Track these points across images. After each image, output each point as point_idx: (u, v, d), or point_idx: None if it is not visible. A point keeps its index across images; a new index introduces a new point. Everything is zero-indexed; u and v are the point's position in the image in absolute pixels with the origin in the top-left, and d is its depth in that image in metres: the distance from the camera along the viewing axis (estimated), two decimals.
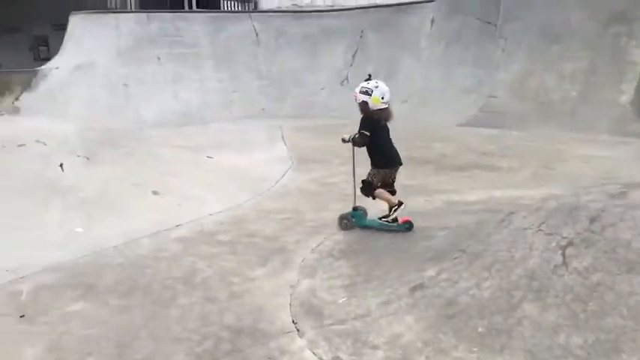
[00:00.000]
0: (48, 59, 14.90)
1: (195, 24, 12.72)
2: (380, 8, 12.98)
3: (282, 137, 8.56)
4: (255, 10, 15.44)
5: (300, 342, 2.89)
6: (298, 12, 13.83)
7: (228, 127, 10.07)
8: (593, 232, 3.10)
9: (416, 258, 3.72)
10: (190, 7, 14.37)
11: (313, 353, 2.78)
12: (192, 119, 11.03)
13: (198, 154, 6.98)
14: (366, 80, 4.51)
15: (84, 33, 12.17)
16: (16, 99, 11.33)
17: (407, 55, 12.11)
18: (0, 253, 4.17)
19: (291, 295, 3.43)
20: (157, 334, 3.02)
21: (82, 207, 4.95)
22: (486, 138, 8.32)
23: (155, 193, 5.36)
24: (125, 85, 11.68)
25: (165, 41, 12.33)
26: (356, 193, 4.50)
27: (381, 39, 12.65)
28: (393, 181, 4.50)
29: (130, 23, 12.27)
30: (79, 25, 12.24)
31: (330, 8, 14.08)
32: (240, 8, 15.71)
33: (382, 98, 4.34)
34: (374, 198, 4.44)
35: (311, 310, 3.22)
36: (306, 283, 3.57)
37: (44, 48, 19.73)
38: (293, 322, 3.11)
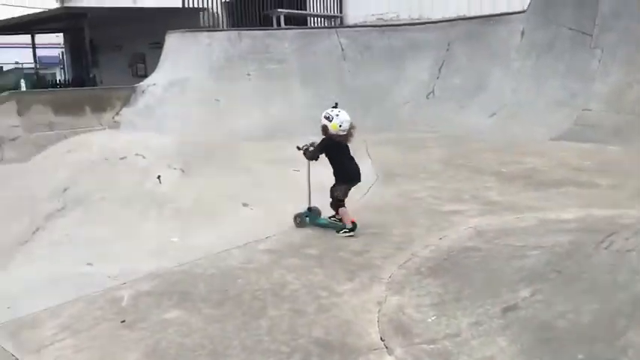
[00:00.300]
0: (145, 76, 15.77)
1: (284, 41, 13.01)
2: (467, 20, 12.74)
3: (367, 151, 8.56)
4: (342, 25, 15.61)
5: (388, 359, 2.87)
6: (384, 26, 13.84)
7: (313, 141, 10.19)
8: None
9: (508, 278, 3.61)
10: (279, 24, 14.73)
11: None
12: (279, 133, 11.25)
13: (285, 167, 7.11)
14: (332, 107, 5.10)
15: (179, 51, 12.78)
16: (117, 114, 12.03)
17: (495, 68, 11.79)
18: (103, 260, 4.44)
19: (379, 311, 3.42)
20: (249, 344, 3.10)
21: (177, 217, 5.18)
22: (581, 153, 7.94)
23: (245, 205, 5.52)
24: (217, 100, 12.12)
25: (255, 58, 12.69)
26: (310, 195, 5.22)
27: (468, 51, 12.39)
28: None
29: (222, 41, 12.73)
30: (174, 43, 12.88)
31: (416, 22, 13.99)
32: (326, 24, 15.94)
33: (340, 126, 4.96)
34: (337, 213, 5.02)
35: (399, 328, 3.19)
36: (394, 300, 3.54)
37: (141, 65, 20.96)
38: (381, 339, 3.10)
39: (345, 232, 4.80)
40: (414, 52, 12.97)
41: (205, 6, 16.14)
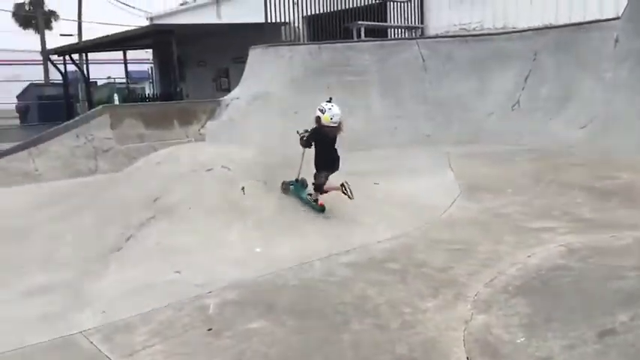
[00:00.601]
0: (228, 89, 16.28)
1: (364, 52, 13.04)
2: (556, 29, 12.26)
3: (450, 164, 8.40)
4: (423, 36, 15.46)
5: None
6: (467, 36, 13.57)
7: (393, 153, 10.15)
8: None
9: (604, 300, 3.42)
10: (359, 36, 14.78)
11: None
12: (358, 145, 11.25)
13: (365, 180, 7.09)
14: (327, 101, 5.70)
15: (261, 65, 13.10)
16: (202, 127, 12.48)
17: (586, 78, 11.25)
18: (190, 268, 4.58)
19: (464, 330, 3.33)
20: (332, 358, 3.09)
21: (259, 228, 5.26)
22: None
23: (326, 217, 5.54)
24: (296, 112, 12.29)
25: (335, 70, 12.77)
26: (301, 168, 5.81)
27: (556, 61, 11.89)
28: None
29: (303, 54, 12.94)
30: (257, 57, 13.21)
31: (500, 31, 13.63)
32: (407, 36, 15.84)
33: (331, 119, 5.54)
34: (322, 193, 5.58)
35: (487, 348, 3.09)
36: (480, 319, 3.44)
37: (225, 79, 21.69)
38: (467, 358, 3.01)
39: (315, 206, 5.57)
40: (498, 62, 12.61)
41: (287, 20, 16.42)
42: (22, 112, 26.26)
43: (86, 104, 23.68)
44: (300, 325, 3.52)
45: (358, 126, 12.15)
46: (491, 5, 14.56)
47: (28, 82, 27.03)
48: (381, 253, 4.72)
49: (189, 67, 23.39)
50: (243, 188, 5.75)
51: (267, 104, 12.39)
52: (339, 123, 5.59)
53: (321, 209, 5.59)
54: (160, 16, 26.66)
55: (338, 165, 5.74)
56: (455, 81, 12.77)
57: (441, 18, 15.64)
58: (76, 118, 11.65)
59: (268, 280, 4.28)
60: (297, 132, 5.96)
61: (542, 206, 5.83)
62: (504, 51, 12.61)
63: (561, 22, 12.73)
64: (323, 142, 5.68)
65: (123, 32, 19.71)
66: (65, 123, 11.27)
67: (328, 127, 5.56)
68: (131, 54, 26.92)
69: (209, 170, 6.01)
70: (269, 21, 14.71)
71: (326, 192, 5.63)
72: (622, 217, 5.33)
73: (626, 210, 5.58)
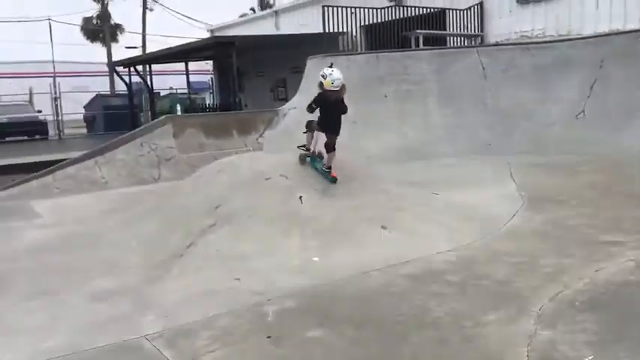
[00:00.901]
0: (285, 99, 16.48)
1: (422, 61, 12.93)
2: (624, 35, 11.82)
3: (511, 174, 8.19)
4: (482, 44, 15.21)
5: None
6: (529, 43, 13.26)
7: (453, 163, 9.98)
8: None
9: None
10: (417, 45, 14.68)
11: None
12: (415, 155, 11.17)
13: (424, 190, 7.01)
14: (328, 67, 6.00)
15: (318, 74, 13.18)
16: (260, 136, 12.69)
17: None
18: (249, 275, 4.64)
19: (528, 345, 3.22)
20: None
21: (317, 237, 5.28)
22: None
23: (384, 227, 5.50)
24: (354, 122, 12.27)
25: (393, 79, 12.72)
26: (317, 143, 6.25)
27: (625, 68, 11.41)
28: (334, 145, 6.11)
29: (361, 63, 12.95)
30: (314, 67, 13.29)
31: (564, 38, 13.25)
32: (466, 43, 15.62)
33: (332, 83, 5.80)
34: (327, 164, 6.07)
35: None
36: (545, 335, 3.32)
37: (282, 89, 21.99)
38: None
39: (327, 172, 5.97)
40: (562, 70, 12.24)
41: (344, 30, 16.49)
42: (89, 121, 27.40)
43: (149, 114, 24.49)
44: (359, 336, 3.50)
45: (416, 135, 12.07)
46: (554, 12, 14.18)
47: (95, 93, 28.16)
48: (441, 265, 4.64)
49: (248, 78, 23.83)
50: (300, 197, 5.80)
51: None
52: (341, 86, 5.86)
53: (333, 180, 5.95)
54: (220, 28, 27.31)
55: (338, 129, 6.16)
56: (516, 89, 12.46)
57: (501, 26, 15.34)
58: (140, 128, 12.07)
59: (326, 289, 4.29)
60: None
61: (610, 219, 5.59)
62: (568, 59, 12.22)
63: (630, 27, 12.26)
64: (326, 105, 6.03)
65: (185, 44, 20.30)
66: (130, 132, 11.69)
67: (330, 90, 5.87)
68: (192, 65, 27.66)
69: (268, 179, 6.09)
70: (326, 31, 14.80)
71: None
72: None
73: None
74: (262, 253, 5.04)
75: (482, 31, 15.73)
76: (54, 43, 36.22)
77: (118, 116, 25.11)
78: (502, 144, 11.55)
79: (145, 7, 36.11)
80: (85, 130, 27.67)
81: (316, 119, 6.28)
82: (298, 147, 6.48)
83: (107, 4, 38.63)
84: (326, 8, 14.33)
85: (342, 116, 6.17)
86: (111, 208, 8.04)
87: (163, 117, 12.33)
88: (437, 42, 15.46)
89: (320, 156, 6.24)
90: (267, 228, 5.41)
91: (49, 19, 32.30)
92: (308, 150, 6.35)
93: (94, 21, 38.89)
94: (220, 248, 5.17)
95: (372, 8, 16.47)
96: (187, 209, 6.07)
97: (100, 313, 4.18)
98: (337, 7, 15.34)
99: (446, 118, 12.35)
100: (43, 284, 4.91)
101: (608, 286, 3.93)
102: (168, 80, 33.56)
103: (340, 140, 12.07)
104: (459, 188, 7.45)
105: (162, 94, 29.05)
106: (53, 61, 31.50)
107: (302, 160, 6.29)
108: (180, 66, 26.83)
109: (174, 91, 29.79)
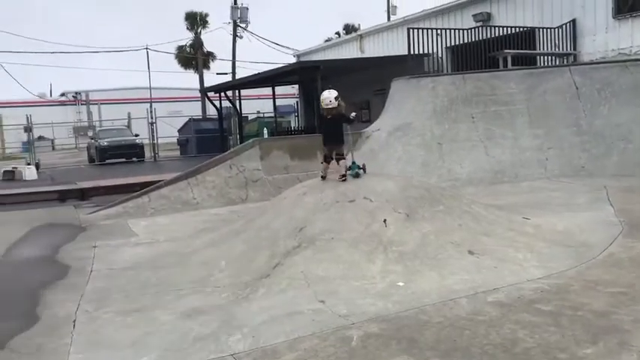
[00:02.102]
0: (369, 121, 16.53)
1: (510, 81, 12.59)
2: None
3: (608, 198, 7.76)
4: (575, 62, 14.61)
5: None
6: (627, 61, 12.58)
7: (544, 186, 9.60)
8: None
9: None
10: (505, 65, 14.33)
11: None
12: (504, 177, 10.87)
13: (513, 214, 6.77)
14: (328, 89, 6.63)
15: (403, 96, 13.16)
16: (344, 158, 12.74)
17: None
18: (333, 298, 4.65)
19: None
20: None
21: (402, 261, 5.22)
22: None
23: (471, 252, 5.36)
24: (439, 143, 12.14)
25: (480, 100, 12.46)
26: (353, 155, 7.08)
27: None
28: (332, 157, 6.69)
29: (447, 85, 12.77)
30: (398, 89, 13.31)
31: None
32: (557, 62, 15.07)
33: (323, 102, 6.49)
34: (327, 163, 6.81)
35: None
36: None
37: (366, 111, 22.08)
38: None
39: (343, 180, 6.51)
40: None
41: (430, 52, 16.40)
42: (182, 144, 28.69)
43: (237, 137, 25.32)
44: None
45: (504, 157, 11.73)
46: None
47: (188, 117, 29.51)
48: (532, 293, 4.44)
49: None
50: (385, 220, 5.76)
51: (408, 135, 12.38)
52: (336, 104, 6.44)
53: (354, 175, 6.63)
54: (305, 53, 27.94)
55: (334, 141, 6.70)
56: (613, 110, 11.87)
57: (596, 43, 14.71)
58: (229, 151, 12.49)
59: (411, 315, 4.21)
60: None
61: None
62: None
63: None
64: (323, 122, 6.81)
65: (271, 70, 20.91)
66: (220, 155, 12.12)
67: (325, 109, 6.51)
68: (279, 89, 28.41)
69: (351, 201, 6.11)
70: (411, 53, 14.76)
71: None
72: None
73: None
74: (346, 276, 5.05)
75: (574, 49, 15.13)
76: (151, 70, 38.36)
77: (209, 139, 26.17)
78: (597, 167, 11.00)
79: (235, 35, 37.53)
80: (178, 153, 29.00)
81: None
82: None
83: (200, 33, 40.52)
84: (411, 30, 14.30)
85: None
86: (201, 228, 8.35)
87: (251, 140, 12.70)
88: (527, 62, 15.02)
89: (362, 166, 6.85)
90: (351, 250, 5.41)
91: (147, 48, 34.17)
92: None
93: (188, 49, 40.83)
94: (305, 270, 5.22)
95: (458, 29, 16.28)
96: (273, 230, 6.18)
97: (189, 330, 4.32)
98: (422, 28, 15.29)
99: (536, 139, 11.93)
100: (138, 301, 5.14)
101: None
102: (257, 104, 34.66)
103: (426, 162, 11.98)
104: (550, 212, 7.16)
105: (250, 118, 29.98)
106: (150, 88, 33.27)
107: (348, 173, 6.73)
108: (268, 90, 27.65)
109: (262, 115, 30.65)
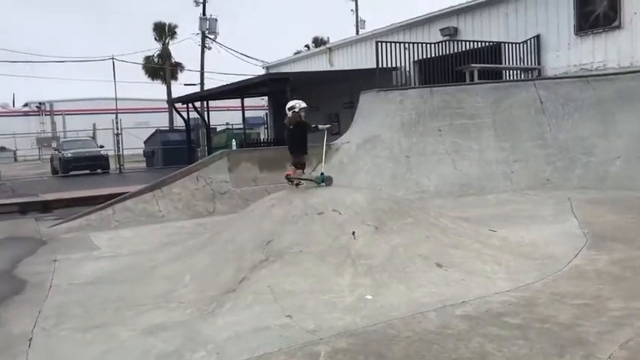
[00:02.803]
0: (338, 134, 16.53)
1: (476, 95, 12.76)
2: None
3: (572, 211, 7.87)
4: (540, 77, 14.89)
5: None
6: (589, 76, 12.88)
7: (510, 199, 9.71)
8: None
9: None
10: (472, 79, 14.52)
11: None
12: (470, 190, 10.96)
13: (480, 226, 6.80)
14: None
15: (372, 109, 13.22)
16: (313, 170, 12.66)
17: None
18: (300, 313, 4.56)
19: None
20: None
21: (370, 274, 5.18)
22: None
23: (439, 265, 5.34)
24: (407, 156, 12.20)
25: (447, 113, 12.59)
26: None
27: None
28: (297, 164, 7.08)
29: (414, 98, 12.87)
30: (367, 102, 13.36)
31: (626, 70, 12.82)
32: (522, 76, 15.34)
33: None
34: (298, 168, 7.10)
35: None
36: None
37: (335, 123, 22.10)
38: None
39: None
40: (624, 102, 11.82)
41: (398, 65, 16.51)
42: (149, 156, 28.28)
43: (206, 149, 25.07)
44: None
45: (471, 170, 11.84)
46: (615, 43, 13.78)
47: (155, 129, 29.12)
48: (500, 306, 4.43)
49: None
50: (354, 233, 5.71)
51: (376, 148, 12.41)
52: (291, 114, 6.83)
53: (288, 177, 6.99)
54: (274, 65, 27.91)
55: (293, 150, 7.07)
56: (576, 123, 12.12)
57: (559, 59, 15.03)
58: (197, 162, 12.31)
59: (379, 329, 4.15)
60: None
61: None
62: (631, 91, 11.81)
63: None
64: (286, 132, 7.18)
65: (240, 81, 20.84)
66: (187, 167, 11.94)
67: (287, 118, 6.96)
68: (248, 101, 28.28)
69: (320, 214, 6.04)
70: (380, 66, 14.85)
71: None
72: None
73: None
74: (314, 290, 4.97)
75: (539, 64, 15.43)
76: (118, 81, 37.80)
77: (176, 151, 25.83)
78: (562, 179, 11.20)
79: (203, 46, 37.33)
80: (144, 165, 28.55)
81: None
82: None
83: (168, 43, 40.15)
84: (379, 44, 14.39)
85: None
86: (166, 242, 8.17)
87: (219, 151, 12.56)
88: (493, 76, 15.25)
89: (328, 179, 7.13)
90: (319, 264, 5.34)
91: (113, 58, 33.69)
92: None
93: (155, 60, 40.40)
94: (272, 284, 5.12)
95: (425, 43, 16.46)
96: (240, 244, 6.06)
97: (151, 348, 4.18)
98: (390, 42, 15.41)
99: (502, 152, 12.09)
100: (98, 317, 4.96)
101: None
102: (226, 116, 34.44)
103: (394, 174, 11.97)
104: (516, 225, 7.22)
105: (218, 130, 29.75)
106: (116, 98, 32.81)
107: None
108: (237, 102, 27.48)
109: (230, 127, 30.45)
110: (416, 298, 4.73)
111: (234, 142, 24.06)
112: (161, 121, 37.46)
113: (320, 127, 7.25)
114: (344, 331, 4.14)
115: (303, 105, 6.89)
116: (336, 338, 4.03)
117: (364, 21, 43.02)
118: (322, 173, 7.12)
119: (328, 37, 47.96)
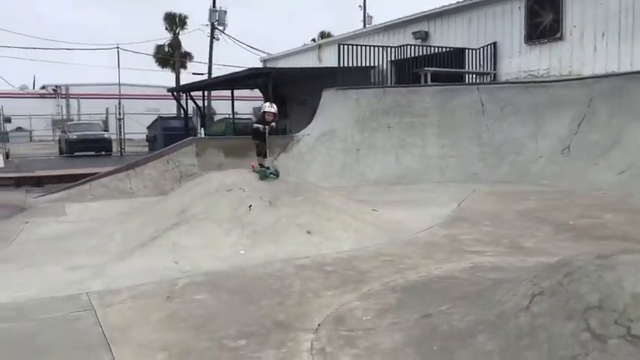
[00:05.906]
0: None
1: (425, 96, 14.11)
2: (612, 77, 12.56)
3: (463, 199, 9.21)
4: (483, 82, 16.14)
5: None
6: (527, 82, 14.15)
7: (428, 188, 11.04)
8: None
9: (439, 298, 4.34)
10: (426, 81, 15.83)
11: None
12: (404, 180, 12.32)
13: (367, 206, 8.19)
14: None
15: (331, 105, 14.63)
16: (275, 159, 14.13)
17: (635, 125, 11.48)
18: (186, 261, 6.02)
19: (336, 309, 4.41)
20: (230, 319, 4.34)
21: (252, 237, 6.60)
22: None
23: (309, 232, 6.75)
24: (358, 149, 13.61)
25: (397, 112, 13.96)
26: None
27: (610, 108, 12.19)
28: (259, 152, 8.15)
29: (369, 96, 14.27)
30: (328, 98, 14.76)
31: (560, 78, 14.05)
32: (477, 81, 16.60)
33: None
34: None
35: (340, 320, 4.17)
36: (349, 305, 4.50)
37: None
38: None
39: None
40: (555, 108, 13.09)
41: (375, 64, 17.81)
42: (151, 141, 29.97)
43: (202, 135, 26.64)
44: (229, 299, 4.80)
45: (412, 163, 13.23)
46: (558, 53, 15.00)
47: (156, 116, 30.79)
48: (330, 260, 5.84)
49: (293, 105, 25.57)
50: (250, 206, 7.16)
51: (332, 141, 13.84)
52: (261, 113, 8.14)
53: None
54: (271, 59, 29.36)
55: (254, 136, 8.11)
56: (512, 125, 13.40)
57: (512, 65, 16.28)
58: (169, 147, 13.83)
59: (233, 271, 5.60)
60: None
61: (498, 235, 6.60)
62: (561, 97, 13.08)
63: (623, 70, 12.97)
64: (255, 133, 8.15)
65: (229, 74, 22.31)
66: (159, 150, 13.47)
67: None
68: (247, 92, 29.74)
69: (229, 190, 7.50)
70: (359, 65, 16.25)
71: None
72: (559, 248, 5.97)
73: (570, 242, 6.22)
74: (204, 246, 6.42)
75: (494, 69, 16.68)
76: (132, 68, 39.33)
77: (175, 137, 27.26)
78: (489, 174, 12.52)
79: (212, 38, 38.88)
80: (147, 149, 30.22)
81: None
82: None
83: (178, 33, 41.85)
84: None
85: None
86: (124, 212, 9.69)
87: (189, 138, 14.06)
88: (454, 79, 16.54)
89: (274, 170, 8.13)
90: (215, 228, 6.79)
91: (118, 47, 35.49)
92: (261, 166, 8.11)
93: (166, 49, 42.11)
94: (175, 241, 6.59)
95: (402, 46, 17.81)
96: (164, 211, 7.57)
97: (67, 278, 5.67)
98: (369, 46, 16.82)
99: (442, 149, 13.45)
100: (37, 261, 6.49)
101: (432, 277, 5.04)
102: (227, 105, 35.93)
103: (345, 164, 13.34)
104: (405, 208, 8.60)
105: (216, 118, 31.28)
106: (119, 84, 34.53)
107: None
108: (243, 92, 28.95)
109: (228, 116, 31.97)
110: (276, 254, 6.15)
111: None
112: (171, 108, 39.14)
113: (261, 129, 8.08)
114: (207, 272, 5.59)
115: (267, 109, 7.91)
116: (198, 276, 5.49)
117: (372, 17, 44.15)
118: (268, 167, 8.10)
119: (329, 32, 49.13)
